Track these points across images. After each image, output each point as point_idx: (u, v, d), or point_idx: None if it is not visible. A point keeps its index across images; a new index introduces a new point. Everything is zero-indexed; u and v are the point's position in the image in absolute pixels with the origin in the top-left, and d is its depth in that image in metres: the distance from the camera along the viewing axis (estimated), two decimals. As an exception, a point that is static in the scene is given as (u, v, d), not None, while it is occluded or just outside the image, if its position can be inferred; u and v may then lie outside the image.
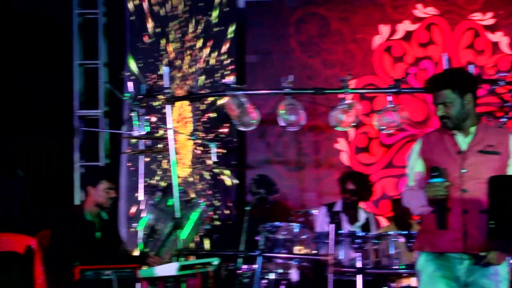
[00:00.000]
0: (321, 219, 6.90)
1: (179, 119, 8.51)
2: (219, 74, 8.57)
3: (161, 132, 7.55)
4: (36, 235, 6.38)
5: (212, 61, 8.64)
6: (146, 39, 8.64)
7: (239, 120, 6.72)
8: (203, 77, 8.59)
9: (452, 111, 4.53)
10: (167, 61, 6.55)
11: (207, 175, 8.54)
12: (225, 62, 8.63)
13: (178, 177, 6.76)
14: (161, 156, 8.50)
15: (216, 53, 8.64)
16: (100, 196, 6.21)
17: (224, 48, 8.65)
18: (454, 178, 4.45)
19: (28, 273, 5.44)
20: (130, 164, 8.41)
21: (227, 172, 8.43)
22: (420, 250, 4.63)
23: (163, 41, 8.64)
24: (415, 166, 4.69)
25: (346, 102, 6.60)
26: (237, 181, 8.51)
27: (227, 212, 8.46)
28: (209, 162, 7.70)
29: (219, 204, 8.50)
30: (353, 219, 7.23)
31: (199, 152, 8.54)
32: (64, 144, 8.70)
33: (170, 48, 8.64)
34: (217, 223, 8.25)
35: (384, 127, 6.76)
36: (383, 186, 8.45)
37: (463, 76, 4.67)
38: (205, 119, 8.62)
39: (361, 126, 8.44)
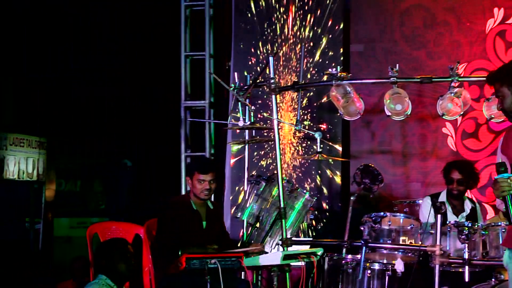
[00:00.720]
0: (425, 210, 6.78)
1: (284, 108, 8.54)
2: (324, 64, 8.54)
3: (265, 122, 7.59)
4: (144, 224, 6.55)
5: (317, 51, 8.61)
6: (250, 29, 8.71)
7: (344, 110, 6.67)
8: (308, 67, 8.58)
9: (504, 104, 4.57)
10: (272, 51, 6.54)
11: (311, 165, 8.54)
12: (330, 52, 8.60)
13: (282, 167, 6.77)
14: (266, 146, 8.55)
15: (322, 42, 8.61)
16: (194, 187, 6.27)
17: (330, 38, 8.61)
18: None
19: (136, 261, 5.57)
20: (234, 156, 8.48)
21: (332, 161, 8.40)
22: (505, 246, 4.53)
23: (268, 31, 8.68)
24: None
25: (454, 90, 6.43)
26: (341, 171, 8.47)
27: (332, 202, 8.44)
28: (313, 152, 7.69)
29: (323, 194, 8.48)
30: (458, 210, 7.07)
31: (303, 142, 8.54)
32: (171, 135, 8.87)
33: (276, 38, 8.67)
34: (321, 213, 8.24)
35: (493, 116, 6.57)
36: (490, 173, 8.23)
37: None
38: (310, 109, 8.61)
39: (469, 111, 8.20)
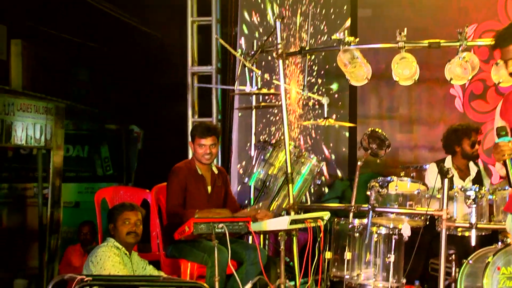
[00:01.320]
0: (431, 176, 6.78)
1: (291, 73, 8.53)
2: (331, 29, 8.51)
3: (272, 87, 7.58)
4: (151, 189, 6.58)
5: (324, 15, 8.57)
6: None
7: (351, 75, 6.65)
8: (315, 32, 8.54)
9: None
10: (279, 16, 6.50)
11: (318, 130, 8.54)
12: (337, 17, 8.55)
13: (289, 132, 6.77)
14: (272, 111, 8.55)
15: (329, 7, 8.57)
16: (196, 152, 6.29)
17: (337, 2, 8.56)
18: None
19: (142, 226, 5.62)
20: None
21: (338, 127, 8.40)
22: (507, 211, 4.55)
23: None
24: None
25: (462, 55, 6.40)
26: (349, 137, 8.48)
27: (338, 167, 8.45)
28: (320, 117, 7.68)
29: (330, 159, 8.49)
30: (463, 174, 7.08)
31: (310, 107, 8.53)
32: (178, 101, 8.87)
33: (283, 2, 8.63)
34: (328, 178, 8.26)
35: (502, 80, 6.54)
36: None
37: None
38: (317, 74, 8.59)
39: (478, 73, 8.12)
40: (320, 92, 8.53)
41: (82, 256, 8.55)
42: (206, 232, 5.43)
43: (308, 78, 8.43)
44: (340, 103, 8.50)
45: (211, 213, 5.95)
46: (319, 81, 8.57)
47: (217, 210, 6.10)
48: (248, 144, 7.91)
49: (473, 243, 6.06)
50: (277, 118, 8.59)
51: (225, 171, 6.70)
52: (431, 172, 6.86)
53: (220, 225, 5.41)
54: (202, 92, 8.82)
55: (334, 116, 8.14)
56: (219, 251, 5.42)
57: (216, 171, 6.47)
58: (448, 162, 7.06)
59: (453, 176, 6.43)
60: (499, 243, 6.15)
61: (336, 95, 8.56)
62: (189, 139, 6.45)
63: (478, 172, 7.12)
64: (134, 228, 5.52)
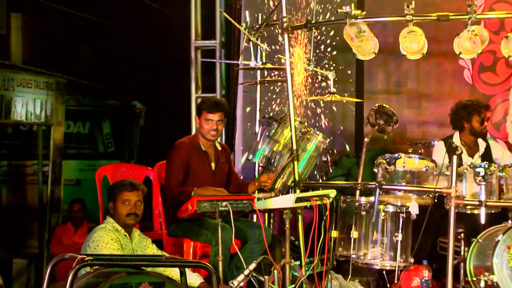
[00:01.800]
0: (439, 155, 6.72)
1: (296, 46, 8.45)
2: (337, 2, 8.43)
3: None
4: (154, 166, 6.54)
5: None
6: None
7: (358, 49, 6.57)
8: (320, 5, 8.45)
9: None
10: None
11: (323, 105, 8.48)
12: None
13: (295, 108, 6.71)
14: (277, 86, 8.49)
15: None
16: (202, 127, 6.22)
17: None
18: None
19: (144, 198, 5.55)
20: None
21: (345, 102, 8.34)
22: None
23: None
24: None
25: (472, 28, 6.30)
26: (355, 112, 8.42)
27: (344, 143, 8.41)
28: (326, 92, 7.61)
29: (337, 135, 8.45)
30: (472, 151, 7.01)
31: (316, 82, 8.47)
32: (181, 76, 8.80)
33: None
34: (334, 155, 8.21)
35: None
36: (506, 108, 8.14)
37: None
38: (323, 49, 8.52)
39: (488, 44, 8.01)
40: (326, 67, 8.45)
41: (73, 235, 8.54)
42: (209, 211, 5.43)
43: (314, 53, 8.37)
44: (345, 77, 8.42)
45: (208, 191, 5.91)
46: (326, 55, 8.48)
47: (216, 189, 6.04)
48: (253, 120, 7.83)
49: (482, 221, 6.00)
50: (282, 93, 8.52)
51: (228, 148, 6.66)
52: (439, 151, 6.80)
53: (224, 203, 5.41)
54: (205, 67, 8.74)
55: (340, 91, 8.05)
56: (223, 229, 5.40)
57: (219, 148, 6.42)
58: (456, 139, 7.01)
59: (461, 153, 6.37)
60: (509, 221, 6.13)
61: (342, 70, 8.48)
62: (194, 113, 6.41)
63: (487, 148, 7.06)
64: (134, 209, 5.39)
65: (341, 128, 8.52)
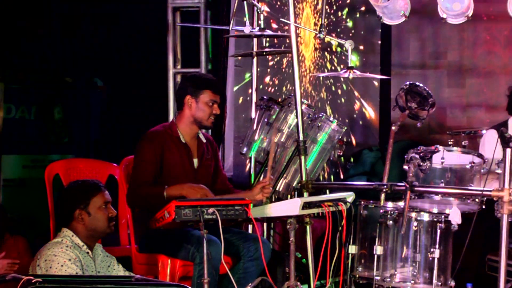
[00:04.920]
0: (489, 146, 6.78)
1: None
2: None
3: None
4: (121, 162, 6.57)
5: None
6: None
7: (384, 11, 6.63)
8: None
9: None
10: None
11: (339, 84, 8.54)
12: None
13: (302, 87, 6.77)
14: (280, 59, 8.55)
15: None
16: (201, 110, 6.27)
17: None
18: None
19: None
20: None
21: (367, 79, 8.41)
22: None
23: None
24: None
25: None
26: (380, 93, 8.48)
27: (366, 133, 8.47)
28: (342, 68, 7.67)
29: (355, 122, 8.51)
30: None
31: (329, 54, 8.53)
32: (155, 45, 8.84)
33: None
34: (353, 147, 8.28)
35: None
36: None
37: None
38: (340, 13, 8.59)
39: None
40: (342, 35, 8.51)
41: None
42: (192, 219, 5.45)
43: (327, 17, 8.43)
44: (368, 47, 8.48)
45: (184, 190, 5.97)
46: (343, 19, 8.54)
47: (195, 186, 6.10)
48: (248, 103, 7.88)
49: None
50: (286, 69, 8.58)
51: (214, 141, 6.69)
52: (489, 141, 6.85)
53: (211, 210, 5.43)
54: (186, 34, 8.77)
55: (361, 66, 8.11)
56: (209, 243, 5.44)
57: (204, 140, 6.46)
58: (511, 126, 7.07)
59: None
60: None
61: (364, 38, 8.54)
62: (171, 95, 6.43)
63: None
64: (113, 212, 5.48)
65: (362, 113, 8.59)
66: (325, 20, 6.81)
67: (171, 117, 8.15)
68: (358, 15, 8.63)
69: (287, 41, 7.54)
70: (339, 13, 8.64)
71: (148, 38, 8.93)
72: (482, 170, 6.27)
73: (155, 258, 6.07)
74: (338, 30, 8.62)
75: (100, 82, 10.99)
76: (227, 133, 8.56)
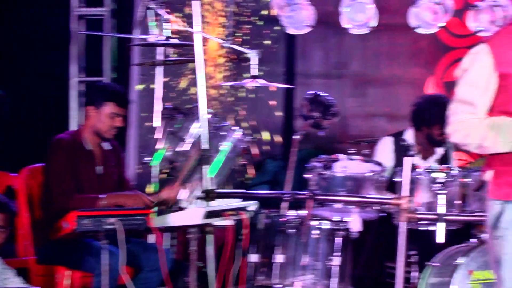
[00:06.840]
0: (382, 154, 6.89)
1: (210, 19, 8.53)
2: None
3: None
4: (20, 172, 6.49)
5: None
6: None
7: (288, 21, 6.68)
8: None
9: None
10: None
11: (243, 93, 8.58)
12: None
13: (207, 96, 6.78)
14: (185, 68, 8.55)
15: None
16: (101, 122, 6.27)
17: None
18: None
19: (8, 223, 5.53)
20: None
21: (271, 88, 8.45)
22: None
23: None
24: (489, 87, 4.11)
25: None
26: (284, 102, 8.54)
27: (270, 142, 8.51)
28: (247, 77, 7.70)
29: (260, 131, 8.54)
30: (427, 153, 7.18)
31: (234, 64, 8.55)
32: (58, 53, 8.76)
33: None
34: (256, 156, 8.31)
35: (482, 28, 6.66)
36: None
37: None
38: (245, 22, 8.61)
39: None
40: (248, 44, 8.53)
41: None
42: (92, 229, 5.42)
43: (233, 25, 8.47)
44: (272, 57, 8.52)
45: (120, 198, 5.96)
46: (247, 29, 8.57)
47: (128, 194, 6.16)
48: (151, 112, 7.86)
49: (440, 240, 6.14)
50: (192, 77, 8.58)
51: (119, 147, 6.69)
52: (383, 150, 6.95)
53: (112, 220, 5.40)
54: (92, 43, 8.73)
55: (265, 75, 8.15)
56: (108, 254, 5.41)
57: (109, 147, 6.46)
58: (409, 136, 7.13)
59: (415, 153, 6.53)
60: (474, 239, 6.25)
61: (268, 47, 8.58)
62: (72, 105, 6.40)
63: (447, 151, 7.23)
64: None
65: (266, 122, 8.62)
66: (231, 29, 6.85)
67: (71, 126, 8.10)
68: (263, 23, 8.66)
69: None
70: (245, 21, 8.67)
71: (51, 45, 8.82)
72: (381, 179, 6.35)
73: (54, 269, 6.02)
74: (244, 38, 8.65)
75: (1, 91, 10.84)
76: (130, 142, 8.53)
